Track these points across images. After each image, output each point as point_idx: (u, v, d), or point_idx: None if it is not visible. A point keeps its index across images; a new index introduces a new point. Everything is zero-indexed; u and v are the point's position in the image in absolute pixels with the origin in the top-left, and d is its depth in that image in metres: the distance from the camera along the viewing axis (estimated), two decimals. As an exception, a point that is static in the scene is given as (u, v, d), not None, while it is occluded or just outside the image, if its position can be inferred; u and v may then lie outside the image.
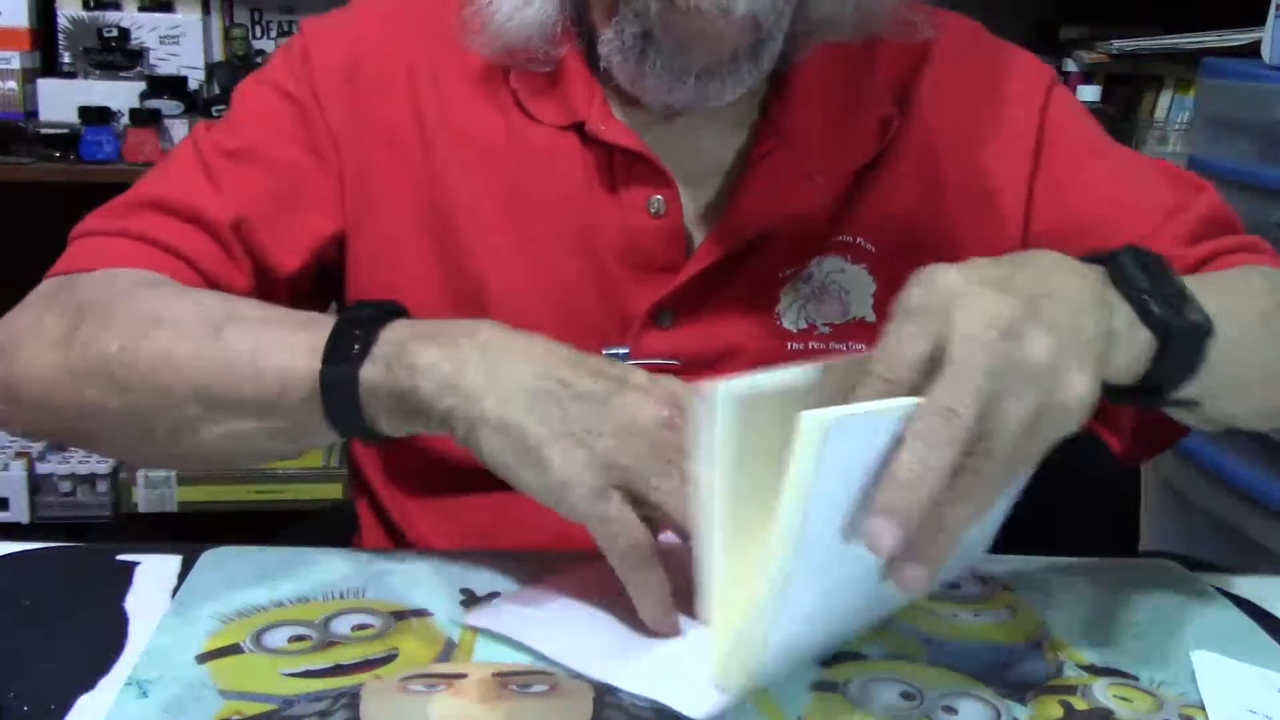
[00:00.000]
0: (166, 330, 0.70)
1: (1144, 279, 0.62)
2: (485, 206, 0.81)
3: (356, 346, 0.66)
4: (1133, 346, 0.61)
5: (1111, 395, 0.62)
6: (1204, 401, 0.67)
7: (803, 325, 0.82)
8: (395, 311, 0.69)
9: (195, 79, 2.10)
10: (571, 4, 0.81)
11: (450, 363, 0.64)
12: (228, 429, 0.69)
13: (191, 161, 0.82)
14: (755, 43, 0.75)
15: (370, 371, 0.65)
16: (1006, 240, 0.85)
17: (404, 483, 0.86)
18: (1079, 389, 0.54)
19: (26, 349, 0.74)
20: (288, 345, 0.68)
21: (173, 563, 0.70)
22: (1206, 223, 0.83)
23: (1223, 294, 0.67)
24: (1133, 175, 0.86)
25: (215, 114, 1.97)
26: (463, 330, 0.66)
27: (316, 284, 0.85)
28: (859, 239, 0.83)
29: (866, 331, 0.82)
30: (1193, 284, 0.64)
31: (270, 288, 0.82)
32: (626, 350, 0.80)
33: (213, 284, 0.79)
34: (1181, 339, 0.62)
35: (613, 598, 0.63)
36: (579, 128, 0.81)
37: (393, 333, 0.66)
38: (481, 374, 0.63)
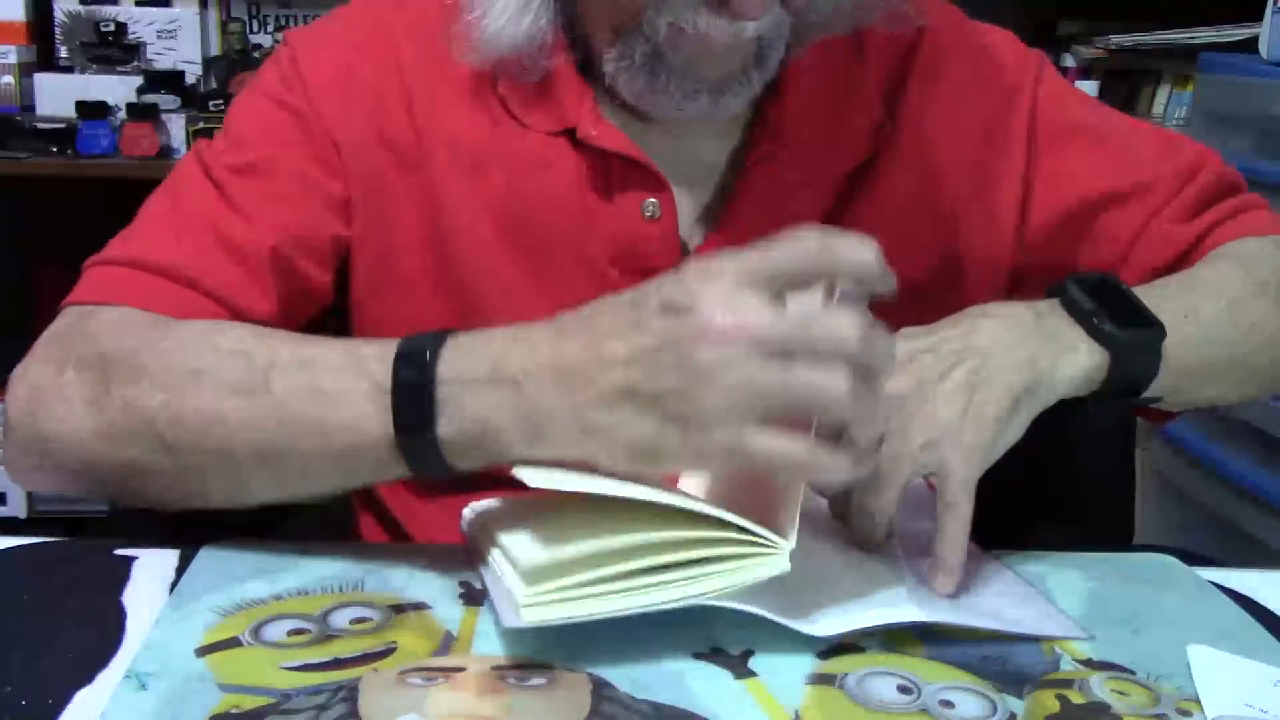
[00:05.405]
0: (208, 384, 0.67)
1: (1089, 301, 0.69)
2: (479, 214, 0.81)
3: (424, 404, 0.63)
4: (1081, 363, 0.68)
5: (1080, 404, 0.68)
6: (1170, 396, 0.73)
7: None
8: (440, 338, 0.65)
9: (192, 73, 2.10)
10: (562, 14, 0.79)
11: (511, 409, 0.62)
12: (294, 484, 0.68)
13: (202, 182, 0.80)
14: (759, 51, 0.76)
15: (446, 430, 0.63)
16: (1002, 236, 0.85)
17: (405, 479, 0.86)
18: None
19: (55, 410, 0.70)
20: (349, 399, 0.65)
21: (171, 557, 0.70)
22: (1204, 195, 0.86)
23: (1190, 291, 0.73)
24: (1130, 157, 0.87)
25: (213, 109, 1.97)
26: (510, 363, 0.62)
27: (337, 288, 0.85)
28: None
29: None
30: (1158, 288, 0.70)
31: (305, 304, 0.81)
32: None
33: (233, 311, 0.76)
34: (1132, 349, 0.69)
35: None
36: (570, 133, 0.80)
37: (449, 369, 0.63)
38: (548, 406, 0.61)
